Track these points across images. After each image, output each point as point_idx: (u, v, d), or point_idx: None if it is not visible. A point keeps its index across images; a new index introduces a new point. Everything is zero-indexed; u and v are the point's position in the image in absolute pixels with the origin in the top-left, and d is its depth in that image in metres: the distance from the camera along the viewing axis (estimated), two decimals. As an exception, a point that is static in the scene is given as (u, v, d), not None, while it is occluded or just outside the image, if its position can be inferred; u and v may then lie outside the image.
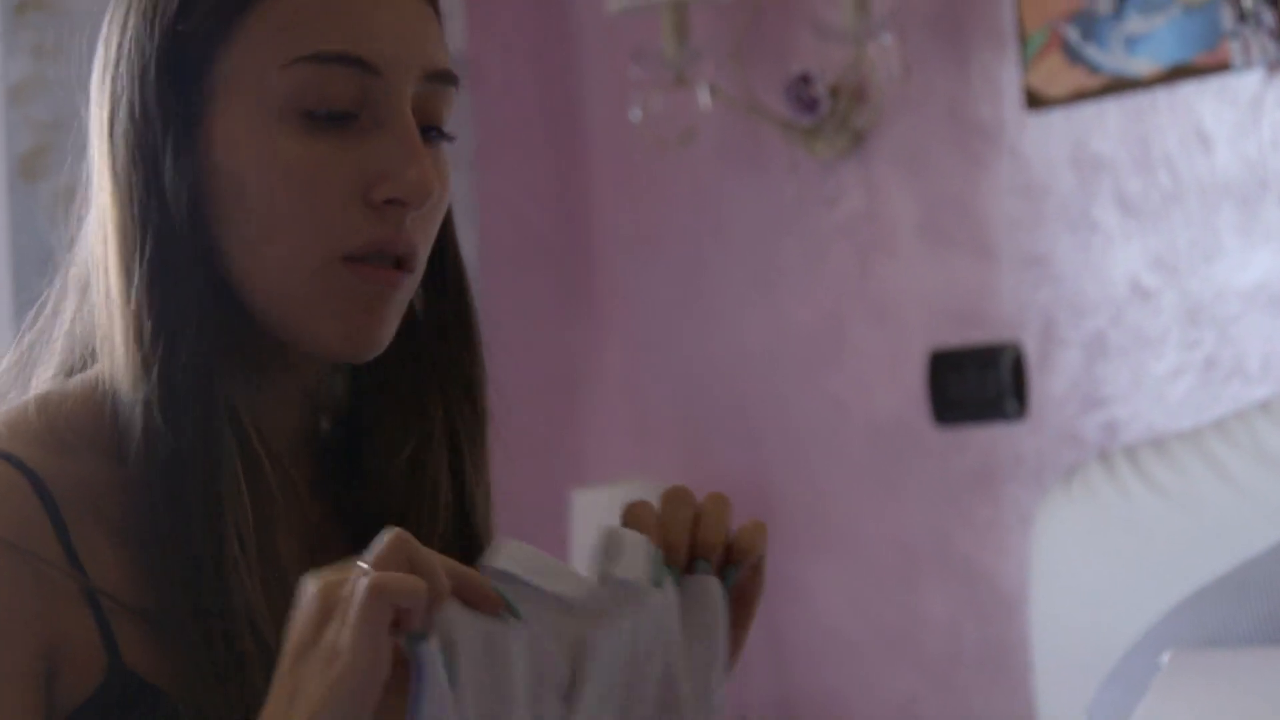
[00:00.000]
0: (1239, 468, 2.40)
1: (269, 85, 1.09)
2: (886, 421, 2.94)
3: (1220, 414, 2.56)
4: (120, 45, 1.12)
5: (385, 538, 0.94)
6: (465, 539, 1.22)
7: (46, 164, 2.54)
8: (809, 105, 2.92)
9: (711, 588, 1.06)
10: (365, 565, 0.93)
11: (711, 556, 1.06)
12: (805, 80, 2.92)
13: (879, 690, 2.94)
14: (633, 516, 1.06)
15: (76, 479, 1.07)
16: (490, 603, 0.96)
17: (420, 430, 1.20)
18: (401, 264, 1.12)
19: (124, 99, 1.10)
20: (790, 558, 3.03)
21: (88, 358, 1.14)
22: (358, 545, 1.00)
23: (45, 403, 1.10)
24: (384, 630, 0.92)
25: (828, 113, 2.93)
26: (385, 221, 1.10)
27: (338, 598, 0.93)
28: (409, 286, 1.13)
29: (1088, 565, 2.52)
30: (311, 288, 1.09)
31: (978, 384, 2.83)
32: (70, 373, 1.15)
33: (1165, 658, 2.20)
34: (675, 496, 1.07)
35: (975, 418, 2.84)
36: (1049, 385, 2.78)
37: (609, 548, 1.03)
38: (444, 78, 1.14)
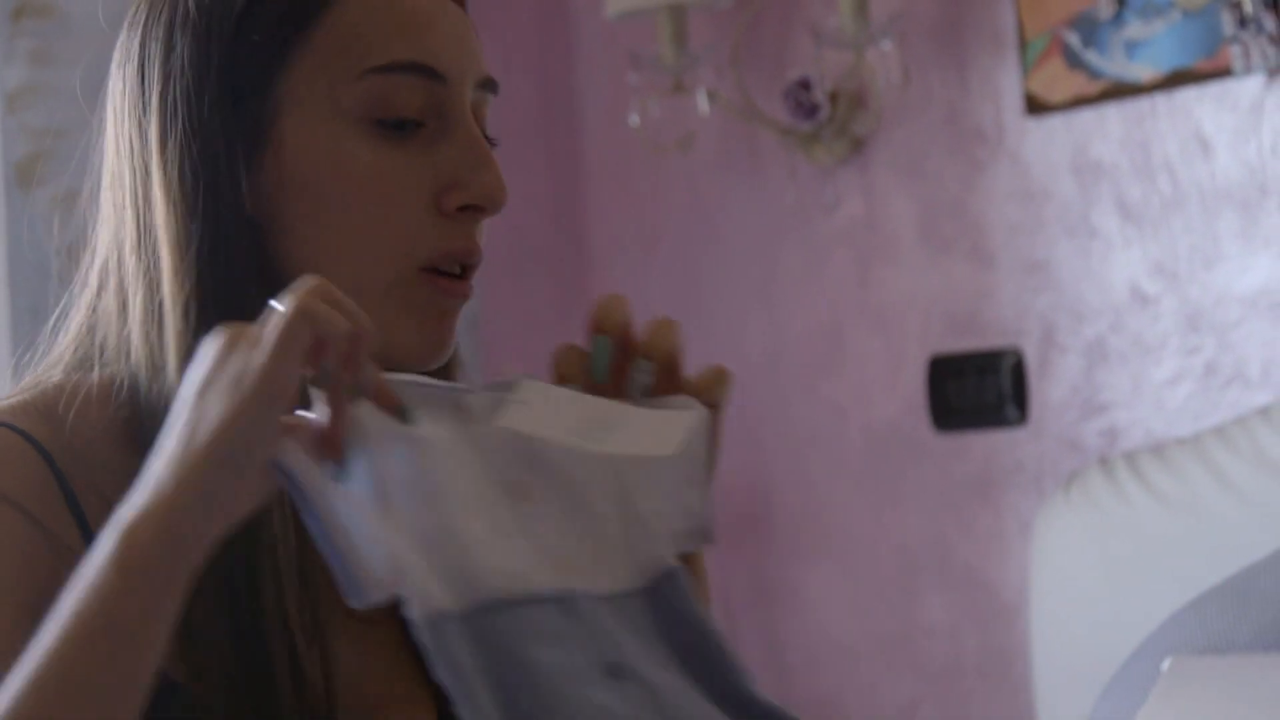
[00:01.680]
0: (1239, 474, 2.40)
1: (339, 97, 1.10)
2: (886, 428, 2.94)
3: (1220, 420, 2.56)
4: (166, 65, 1.11)
5: (307, 279, 0.95)
6: None
7: (43, 171, 2.54)
8: (808, 111, 2.92)
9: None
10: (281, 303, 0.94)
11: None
12: (804, 86, 2.92)
13: (879, 697, 2.94)
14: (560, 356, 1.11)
15: (83, 461, 1.08)
16: (388, 397, 0.97)
17: None
18: (466, 272, 1.14)
19: (181, 116, 1.10)
20: (790, 564, 3.02)
21: (102, 364, 1.14)
22: None
23: (56, 390, 1.11)
24: (298, 355, 0.92)
25: (827, 118, 2.92)
26: (459, 229, 1.13)
27: (249, 333, 0.94)
28: (472, 294, 1.16)
29: (1088, 572, 2.52)
30: (390, 299, 1.11)
31: (977, 390, 2.83)
32: (75, 370, 1.15)
33: (1166, 665, 2.19)
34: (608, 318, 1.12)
35: (975, 424, 2.83)
36: (1049, 391, 2.78)
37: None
38: (491, 85, 1.18)
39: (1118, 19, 2.68)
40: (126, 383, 1.11)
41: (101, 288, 1.15)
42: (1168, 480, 2.47)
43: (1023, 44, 2.77)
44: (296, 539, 1.08)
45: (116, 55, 1.16)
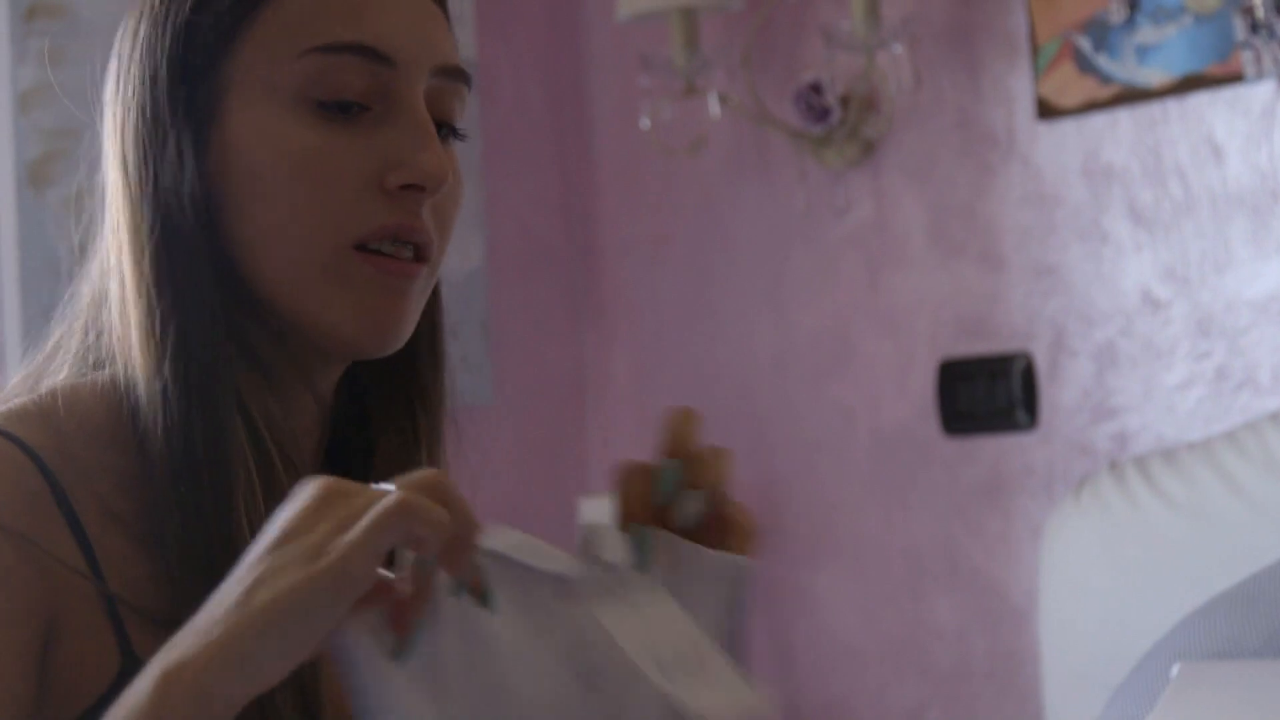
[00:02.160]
0: (1250, 479, 2.40)
1: (281, 77, 1.10)
2: (895, 431, 2.93)
3: (1231, 425, 2.56)
4: (132, 52, 1.14)
5: (422, 470, 0.91)
6: None
7: (55, 171, 2.54)
8: (819, 114, 2.92)
9: (704, 559, 1.06)
10: (390, 486, 0.89)
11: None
12: (815, 89, 2.92)
13: (887, 700, 2.94)
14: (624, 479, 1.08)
15: (82, 467, 1.07)
16: (476, 584, 0.93)
17: (410, 445, 1.22)
18: (420, 255, 1.13)
19: (134, 101, 1.12)
20: (799, 567, 3.02)
21: (104, 361, 1.14)
22: None
23: (51, 394, 1.10)
24: (385, 549, 0.88)
25: (838, 122, 2.92)
26: (401, 208, 1.11)
27: (345, 501, 0.88)
28: (427, 278, 1.14)
29: (1098, 576, 2.52)
30: (325, 278, 1.10)
31: (987, 394, 2.83)
32: (81, 373, 1.16)
33: (1175, 669, 2.19)
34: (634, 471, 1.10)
35: (985, 428, 2.83)
36: (1059, 395, 2.77)
37: (588, 540, 1.03)
38: (455, 74, 1.16)
39: (1129, 23, 2.68)
40: (116, 379, 1.11)
41: (101, 281, 1.16)
42: (1178, 485, 2.47)
43: (1034, 48, 2.77)
44: None
45: (109, 57, 1.18)
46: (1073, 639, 2.54)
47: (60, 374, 1.16)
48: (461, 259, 3.08)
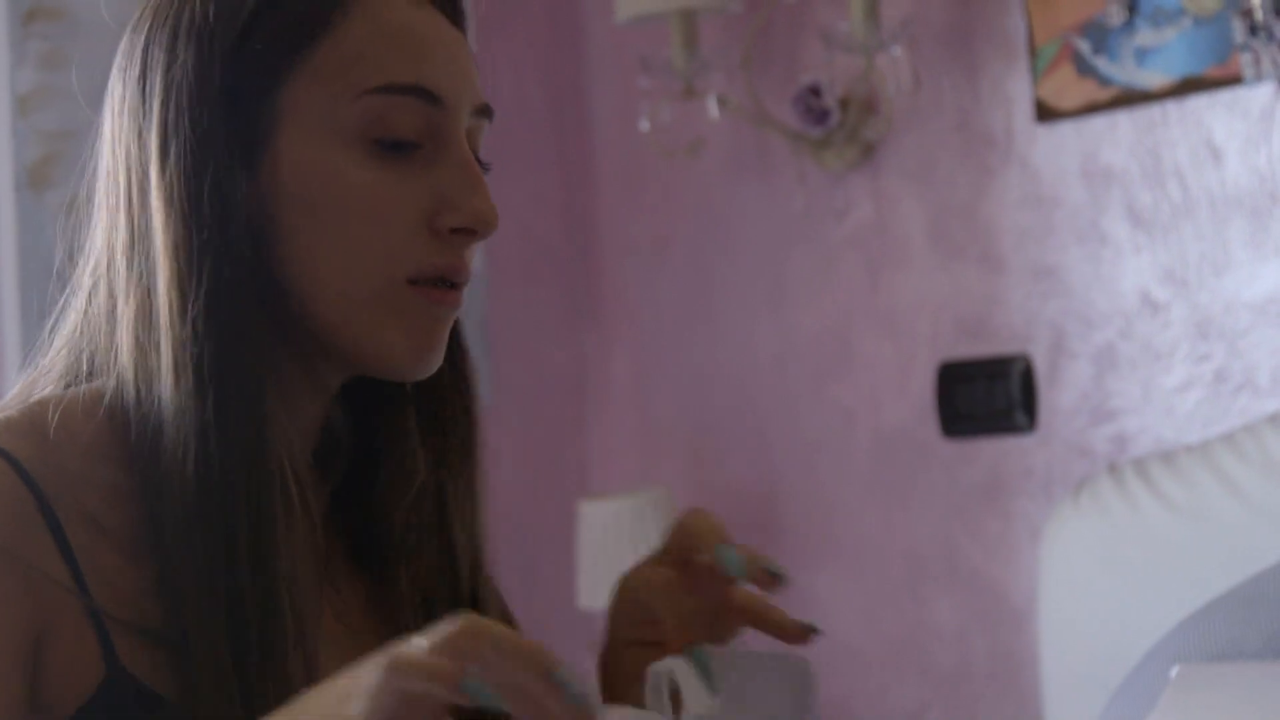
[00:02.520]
0: (1248, 481, 2.40)
1: (339, 115, 1.12)
2: (895, 433, 2.94)
3: (1230, 427, 2.56)
4: (169, 72, 1.13)
5: (460, 625, 0.89)
6: (453, 570, 1.24)
7: (55, 174, 2.54)
8: (818, 116, 2.92)
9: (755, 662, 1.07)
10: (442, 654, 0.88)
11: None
12: (814, 91, 2.92)
13: (887, 701, 2.94)
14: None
15: (70, 479, 1.07)
16: None
17: (430, 461, 1.23)
18: (456, 285, 1.16)
19: (182, 123, 1.11)
20: (798, 568, 3.02)
21: (97, 372, 1.14)
22: (363, 577, 1.02)
23: (41, 405, 1.10)
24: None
25: (837, 124, 2.92)
26: (448, 249, 1.14)
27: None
28: (460, 307, 1.17)
29: (1097, 578, 2.52)
30: (377, 308, 1.12)
31: (987, 396, 2.83)
32: (72, 383, 1.15)
33: (1174, 671, 2.19)
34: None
35: (984, 430, 2.83)
36: (1058, 397, 2.77)
37: (658, 687, 1.02)
38: (487, 112, 1.19)
39: (1128, 26, 2.68)
40: (113, 392, 1.11)
41: (93, 292, 1.16)
42: (1177, 487, 2.47)
43: (1033, 50, 2.77)
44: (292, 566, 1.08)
45: (118, 60, 1.17)
46: (1072, 640, 2.54)
47: (50, 380, 1.16)
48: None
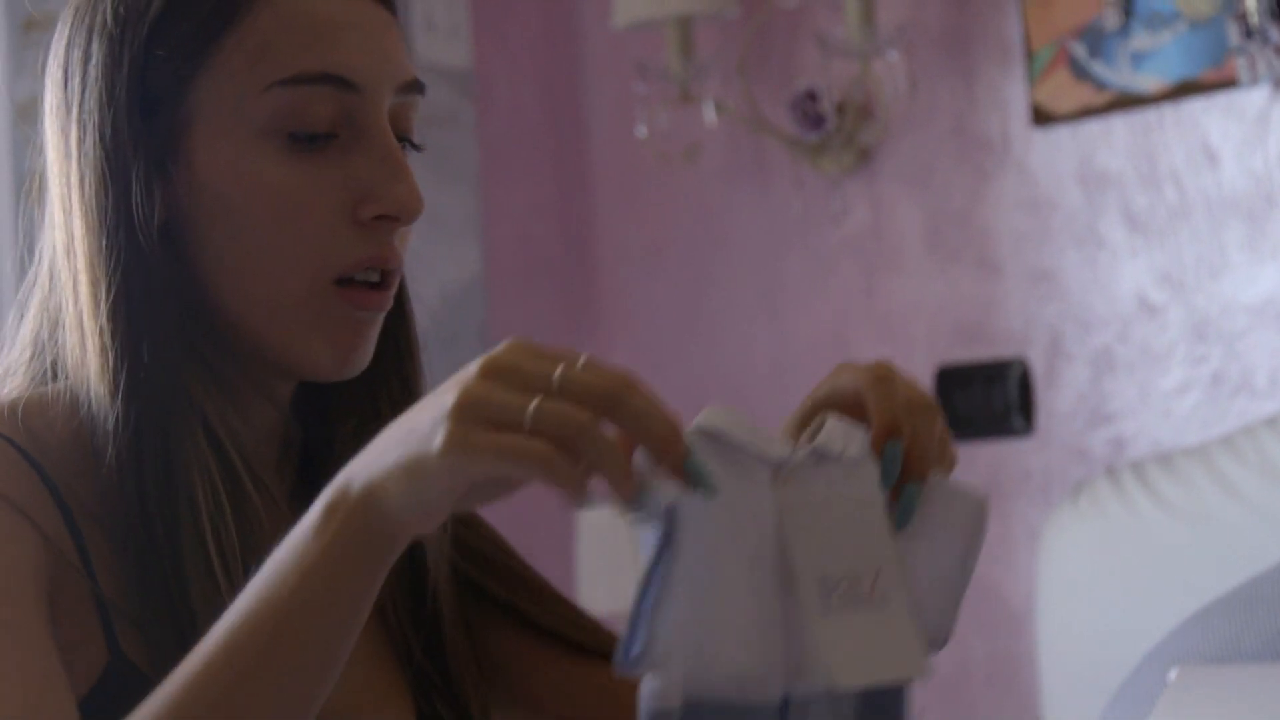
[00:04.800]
0: (1246, 483, 2.40)
1: (249, 110, 1.09)
2: (893, 437, 2.94)
3: (1227, 429, 2.56)
4: (85, 73, 1.11)
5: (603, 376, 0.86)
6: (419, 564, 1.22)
7: (54, 181, 2.55)
8: (815, 121, 2.93)
9: (960, 501, 0.96)
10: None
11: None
12: (811, 96, 2.93)
13: None
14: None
15: (62, 469, 1.07)
16: (680, 474, 0.87)
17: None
18: (385, 281, 1.13)
19: (92, 125, 1.10)
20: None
21: (59, 373, 1.14)
22: None
23: (26, 405, 1.09)
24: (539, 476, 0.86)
25: (833, 129, 2.93)
26: (374, 239, 1.11)
27: (529, 373, 0.87)
28: (389, 305, 1.14)
29: (1095, 581, 2.52)
30: (302, 312, 1.10)
31: (984, 399, 2.83)
32: (40, 382, 1.15)
33: (1172, 674, 2.19)
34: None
35: (982, 433, 2.83)
36: (1056, 401, 2.78)
37: (828, 432, 0.93)
38: (415, 88, 1.15)
39: (1124, 30, 2.69)
40: (71, 392, 1.10)
41: (47, 294, 1.14)
42: (1174, 489, 2.47)
43: (1029, 54, 2.78)
44: (249, 557, 1.06)
45: (48, 59, 1.16)
46: (1071, 643, 2.54)
47: (15, 382, 1.15)
48: (459, 268, 3.08)
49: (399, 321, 1.20)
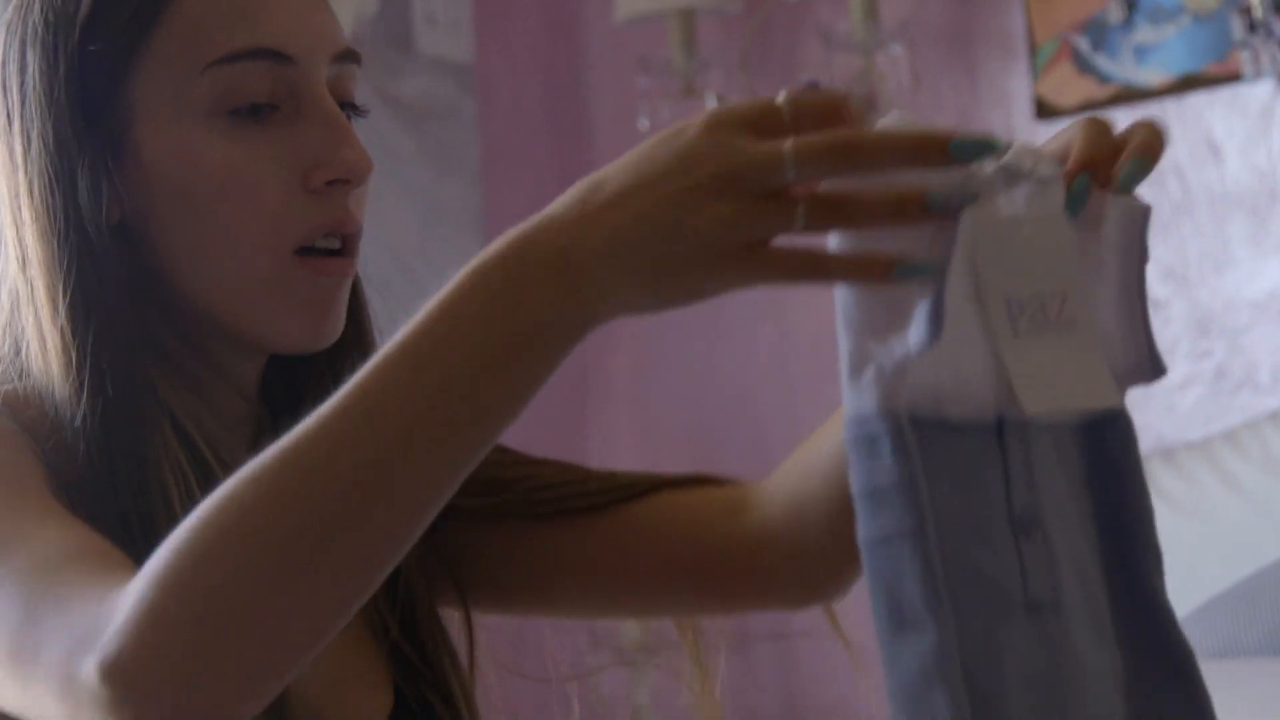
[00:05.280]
0: (1249, 479, 2.40)
1: (188, 95, 1.09)
2: (895, 433, 2.93)
3: (1230, 424, 2.56)
4: (22, 84, 1.11)
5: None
6: None
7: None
8: (817, 115, 2.92)
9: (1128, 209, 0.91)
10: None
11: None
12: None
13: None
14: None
15: (54, 469, 1.06)
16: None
17: None
18: (347, 247, 1.13)
19: (35, 133, 1.10)
20: (799, 569, 3.02)
21: (25, 374, 1.13)
22: None
23: (5, 398, 1.09)
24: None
25: (836, 123, 2.92)
26: (328, 204, 1.11)
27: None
28: (354, 271, 1.15)
29: (1097, 577, 2.52)
30: (268, 287, 1.10)
31: (987, 395, 2.82)
32: (10, 380, 1.14)
33: (1175, 669, 2.19)
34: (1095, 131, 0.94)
35: (984, 429, 2.83)
36: (1058, 396, 2.77)
37: (1017, 152, 0.90)
38: (351, 56, 1.15)
39: (1127, 24, 2.68)
40: (39, 395, 1.09)
41: (11, 314, 1.14)
42: (1177, 484, 2.47)
43: (1032, 48, 2.77)
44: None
45: None
46: (1073, 639, 2.54)
47: None
48: (460, 262, 3.07)
49: (350, 295, 1.19)
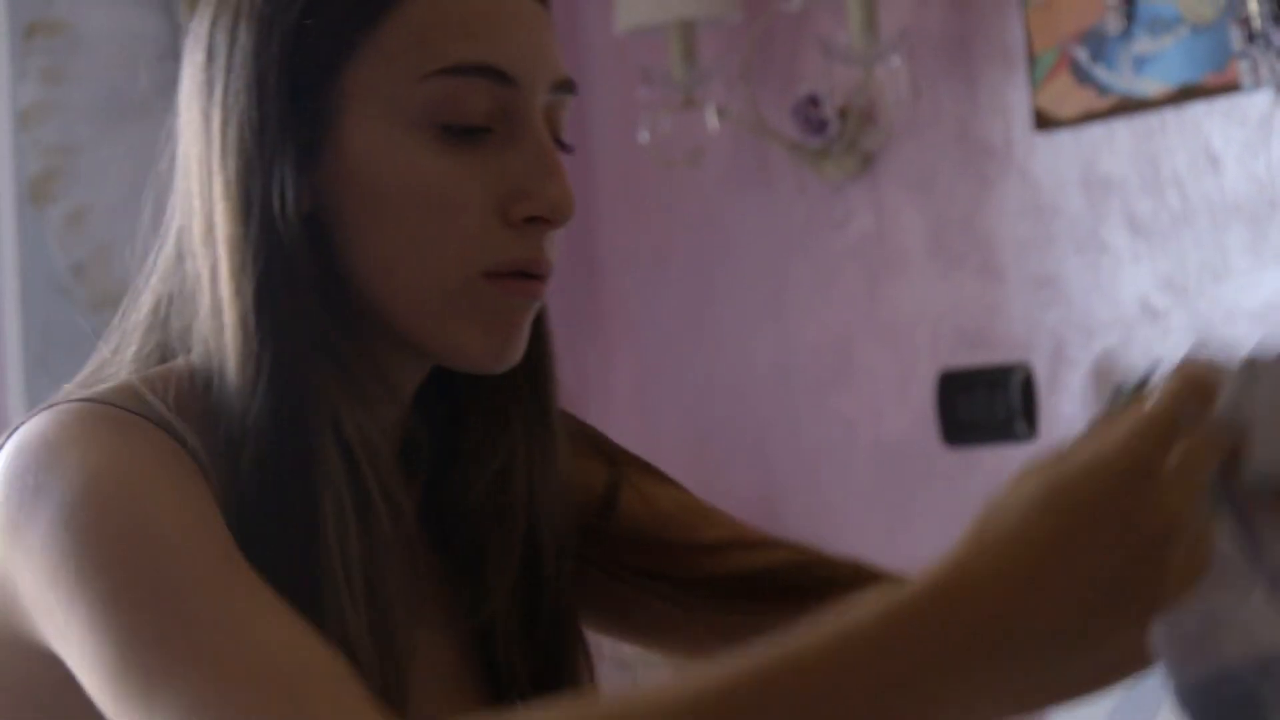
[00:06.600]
0: (1250, 488, 2.40)
1: (404, 98, 1.06)
2: (896, 442, 2.94)
3: (1230, 434, 2.56)
4: (230, 56, 1.07)
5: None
6: (532, 556, 1.18)
7: (55, 188, 2.55)
8: (817, 127, 2.93)
9: None
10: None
11: None
12: (813, 102, 2.93)
13: None
14: None
15: (201, 455, 1.03)
16: None
17: (505, 448, 1.17)
18: (537, 276, 1.10)
19: (238, 109, 1.06)
20: (800, 579, 3.03)
21: (165, 356, 1.11)
22: (449, 572, 1.02)
23: (150, 385, 1.05)
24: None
25: (836, 134, 2.93)
26: (524, 240, 1.08)
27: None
28: (543, 296, 1.12)
29: (1098, 586, 2.52)
30: (453, 304, 1.07)
31: (987, 405, 2.83)
32: (152, 361, 1.11)
33: (1176, 679, 2.19)
34: None
35: (985, 439, 2.83)
36: (1059, 406, 2.78)
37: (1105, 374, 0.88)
38: (568, 86, 1.13)
39: (1126, 34, 2.69)
40: (201, 376, 1.06)
41: (169, 275, 1.11)
42: (1177, 495, 2.47)
43: (1031, 59, 2.78)
44: (370, 567, 1.03)
45: (187, 43, 1.12)
46: (1074, 649, 2.54)
47: (126, 367, 1.11)
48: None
49: (535, 325, 1.16)
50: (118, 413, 1.01)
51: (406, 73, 1.06)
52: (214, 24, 1.09)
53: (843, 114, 2.93)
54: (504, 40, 1.08)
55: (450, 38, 1.06)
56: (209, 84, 1.08)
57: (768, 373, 3.08)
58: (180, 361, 1.09)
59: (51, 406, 1.03)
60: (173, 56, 2.75)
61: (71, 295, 2.49)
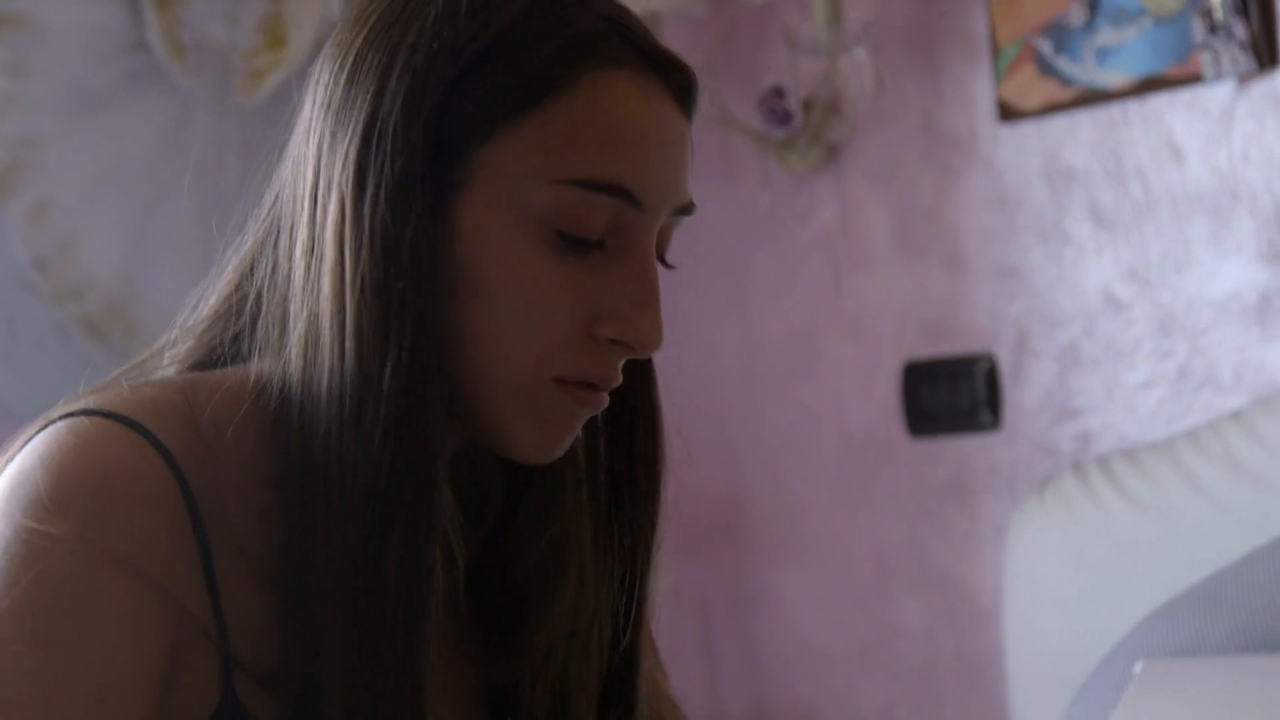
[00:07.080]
0: (1211, 478, 2.41)
1: (530, 194, 1.05)
2: (861, 433, 2.94)
3: (1192, 424, 2.57)
4: (380, 96, 1.06)
5: None
6: (617, 645, 1.20)
7: (18, 181, 2.54)
8: (782, 118, 2.93)
9: None
10: None
11: None
12: (778, 93, 2.93)
13: (854, 701, 2.95)
14: None
15: (221, 491, 1.02)
16: None
17: (560, 516, 1.18)
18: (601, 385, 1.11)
19: (381, 153, 1.04)
20: (765, 569, 3.03)
21: (223, 358, 1.10)
22: (489, 633, 1.03)
23: (194, 392, 1.05)
24: None
25: (801, 126, 2.93)
26: (602, 357, 1.09)
27: None
28: (603, 408, 1.13)
29: (1061, 575, 2.53)
30: (519, 398, 1.07)
31: (951, 395, 2.84)
32: (204, 364, 1.11)
33: (1138, 667, 2.20)
34: None
35: (949, 429, 2.84)
36: (1022, 396, 2.79)
37: None
38: (688, 210, 1.12)
39: (1089, 26, 2.69)
40: (276, 399, 1.05)
41: (246, 277, 1.10)
42: (1140, 484, 2.48)
43: (995, 51, 2.78)
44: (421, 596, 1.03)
45: (329, 48, 1.11)
46: (1037, 638, 2.55)
47: (176, 364, 1.11)
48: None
49: (648, 419, 1.21)
50: (119, 433, 1.00)
51: (540, 171, 1.05)
52: (365, 50, 1.07)
53: (807, 106, 2.94)
54: (642, 164, 1.07)
55: (591, 149, 1.06)
56: (347, 107, 1.07)
57: (733, 364, 3.09)
58: (234, 370, 1.08)
59: (67, 417, 1.02)
60: (135, 50, 2.73)
61: (34, 288, 2.48)
